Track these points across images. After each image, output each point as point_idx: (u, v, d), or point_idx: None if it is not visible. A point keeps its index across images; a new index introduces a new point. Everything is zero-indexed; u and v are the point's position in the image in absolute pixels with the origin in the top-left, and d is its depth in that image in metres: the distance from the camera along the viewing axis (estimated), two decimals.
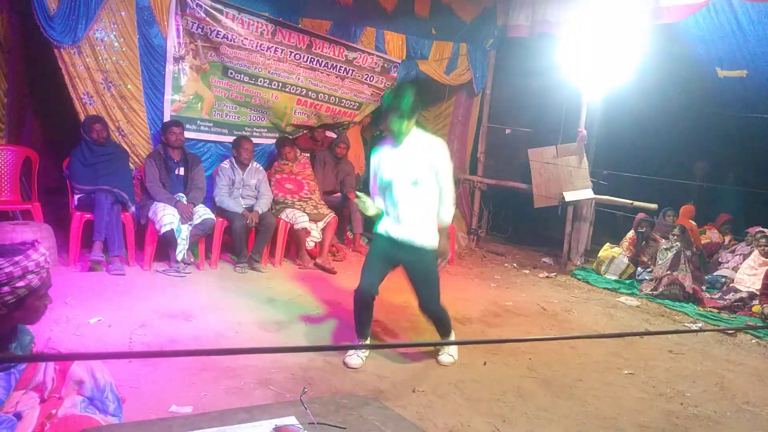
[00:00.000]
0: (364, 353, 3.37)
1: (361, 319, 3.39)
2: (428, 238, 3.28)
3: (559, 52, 5.86)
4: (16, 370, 1.86)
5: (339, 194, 6.06)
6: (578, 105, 6.12)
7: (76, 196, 4.60)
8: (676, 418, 3.00)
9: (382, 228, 3.36)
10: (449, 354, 3.48)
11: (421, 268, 3.32)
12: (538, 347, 3.79)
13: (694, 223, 6.53)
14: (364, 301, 3.32)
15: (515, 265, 6.43)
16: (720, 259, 6.15)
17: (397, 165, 3.25)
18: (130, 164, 4.92)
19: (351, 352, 3.34)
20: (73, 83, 4.63)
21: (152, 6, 4.86)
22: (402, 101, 3.13)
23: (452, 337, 3.56)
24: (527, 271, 6.19)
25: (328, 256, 5.35)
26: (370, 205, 3.35)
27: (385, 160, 3.32)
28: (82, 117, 4.67)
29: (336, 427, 1.53)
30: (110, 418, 1.94)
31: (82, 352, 1.95)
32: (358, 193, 3.40)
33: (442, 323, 3.45)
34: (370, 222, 6.38)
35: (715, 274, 5.92)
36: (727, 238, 6.56)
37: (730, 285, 5.50)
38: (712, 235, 6.62)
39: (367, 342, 3.50)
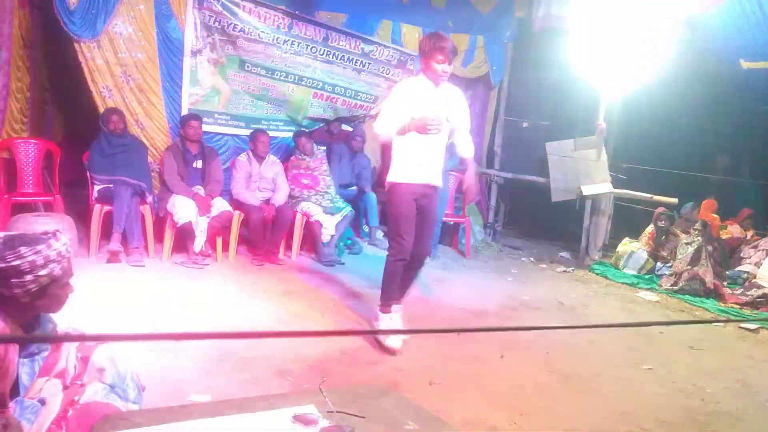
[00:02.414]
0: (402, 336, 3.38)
1: (397, 284, 3.43)
2: (441, 180, 3.47)
3: (578, 45, 5.78)
4: (40, 357, 1.89)
5: (355, 187, 6.06)
6: (597, 98, 6.03)
7: (96, 188, 4.66)
8: (696, 415, 2.96)
9: (407, 177, 3.32)
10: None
11: (433, 210, 3.46)
12: (556, 341, 3.76)
13: (716, 216, 6.41)
14: (406, 260, 3.35)
15: (532, 259, 6.39)
16: (742, 255, 6.04)
17: (435, 106, 3.27)
18: (149, 157, 4.97)
19: (389, 335, 3.33)
20: (93, 77, 4.69)
21: (170, 0, 4.89)
22: (446, 41, 3.23)
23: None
24: (544, 266, 6.15)
25: (335, 249, 5.35)
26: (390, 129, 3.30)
27: (419, 98, 3.28)
28: (102, 110, 4.72)
29: (355, 416, 1.53)
30: (131, 405, 1.96)
31: (106, 334, 1.97)
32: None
33: (417, 272, 3.56)
34: (386, 215, 6.39)
35: (736, 269, 5.80)
36: (750, 233, 6.43)
37: (753, 281, 5.39)
38: (733, 230, 6.49)
39: (400, 308, 3.53)
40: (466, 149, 3.52)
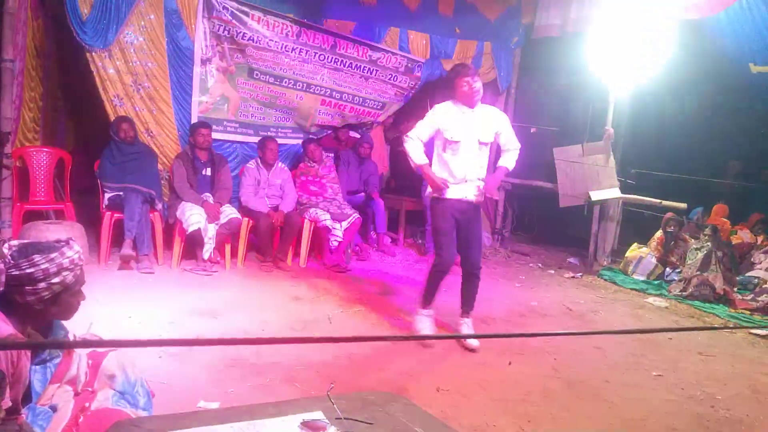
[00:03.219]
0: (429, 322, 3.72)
1: (437, 288, 3.69)
2: (481, 197, 3.64)
3: (585, 51, 5.78)
4: (52, 364, 1.92)
5: (363, 194, 6.08)
6: (605, 103, 6.02)
7: (107, 196, 4.71)
8: (706, 422, 2.94)
9: (448, 193, 3.56)
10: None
11: (477, 227, 3.66)
12: (564, 348, 3.75)
13: (727, 221, 6.37)
14: (446, 271, 3.60)
15: (540, 265, 6.37)
16: (752, 260, 5.99)
17: (470, 126, 3.51)
18: (159, 165, 5.02)
19: (423, 320, 3.72)
20: (104, 86, 4.75)
21: (180, 9, 4.95)
22: (471, 67, 3.50)
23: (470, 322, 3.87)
24: (552, 271, 6.13)
25: (344, 256, 5.38)
26: (419, 153, 3.60)
27: (453, 121, 3.54)
28: (113, 119, 4.78)
29: (363, 422, 1.54)
30: (141, 411, 1.98)
31: (118, 340, 2.00)
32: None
33: (475, 289, 3.76)
34: (393, 221, 6.42)
35: (747, 275, 5.76)
36: (760, 239, 6.38)
37: (763, 286, 5.35)
38: (744, 236, 6.44)
39: (432, 311, 3.79)
40: (508, 160, 3.71)
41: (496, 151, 4.01)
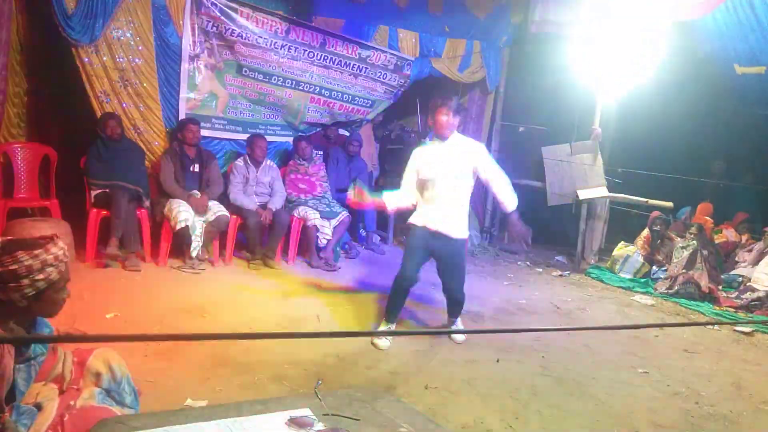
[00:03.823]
0: (390, 337, 3.56)
1: (395, 304, 3.70)
2: (461, 231, 3.64)
3: (574, 51, 5.81)
4: (36, 362, 1.90)
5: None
6: (593, 102, 6.06)
7: (93, 193, 4.66)
8: (691, 417, 2.98)
9: (420, 221, 3.64)
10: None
11: (452, 258, 3.67)
12: (551, 345, 3.78)
13: (710, 219, 6.45)
14: (404, 286, 3.63)
15: (528, 263, 6.41)
16: (737, 258, 6.07)
17: (441, 161, 3.55)
18: (146, 162, 4.98)
19: (381, 338, 3.58)
20: (91, 82, 4.70)
21: (168, 5, 4.91)
22: (450, 99, 3.53)
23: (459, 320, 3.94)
24: (540, 270, 6.16)
25: (332, 254, 5.37)
26: (391, 201, 3.68)
27: (426, 159, 3.61)
28: (99, 115, 4.73)
29: (349, 418, 1.55)
30: (127, 409, 1.97)
31: (103, 335, 1.97)
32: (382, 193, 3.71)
33: (459, 306, 3.84)
34: (383, 220, 6.42)
35: (731, 273, 5.84)
36: (744, 237, 6.46)
37: (747, 284, 5.42)
38: (728, 234, 6.53)
39: (393, 326, 3.73)
40: (507, 202, 3.63)
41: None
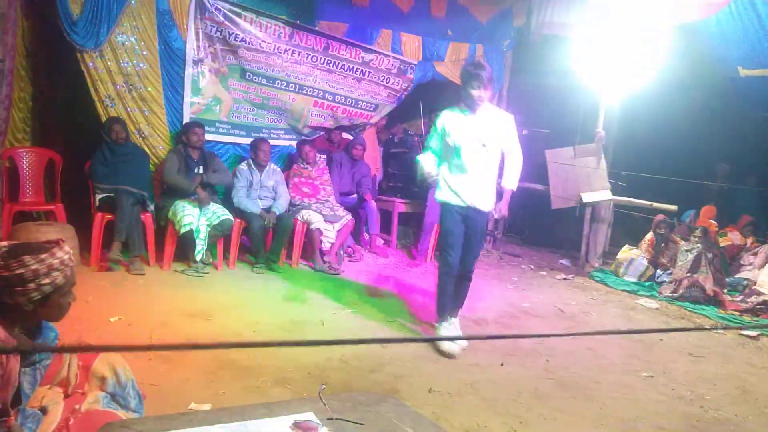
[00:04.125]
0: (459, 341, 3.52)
1: (448, 296, 3.63)
2: (490, 203, 3.59)
3: (577, 54, 5.82)
4: (41, 366, 1.91)
5: (355, 195, 6.08)
6: (596, 106, 6.06)
7: (98, 197, 4.69)
8: (696, 422, 2.96)
9: (450, 197, 3.55)
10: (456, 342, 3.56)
11: (479, 232, 3.62)
12: (555, 349, 3.77)
13: (714, 222, 6.43)
14: (452, 275, 3.56)
15: (532, 266, 6.40)
16: (742, 261, 6.05)
17: (470, 131, 3.47)
18: (150, 165, 5.00)
19: (446, 332, 3.57)
20: (95, 86, 4.73)
21: (172, 10, 4.94)
22: (483, 70, 3.41)
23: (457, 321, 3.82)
24: (544, 273, 6.15)
25: (336, 257, 5.37)
26: (428, 164, 3.56)
27: (454, 125, 3.52)
28: (104, 119, 4.76)
29: (354, 423, 1.55)
30: (132, 413, 1.97)
31: (107, 345, 1.99)
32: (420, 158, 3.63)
33: (467, 287, 3.75)
34: (386, 223, 6.42)
35: (736, 276, 5.81)
36: (750, 240, 6.44)
37: (752, 287, 5.40)
38: (733, 237, 6.50)
39: (455, 320, 3.71)
40: (508, 179, 3.62)
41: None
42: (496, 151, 3.55)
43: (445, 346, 3.44)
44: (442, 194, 3.60)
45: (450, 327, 3.66)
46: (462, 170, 3.51)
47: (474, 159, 3.49)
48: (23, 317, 1.75)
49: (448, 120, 3.58)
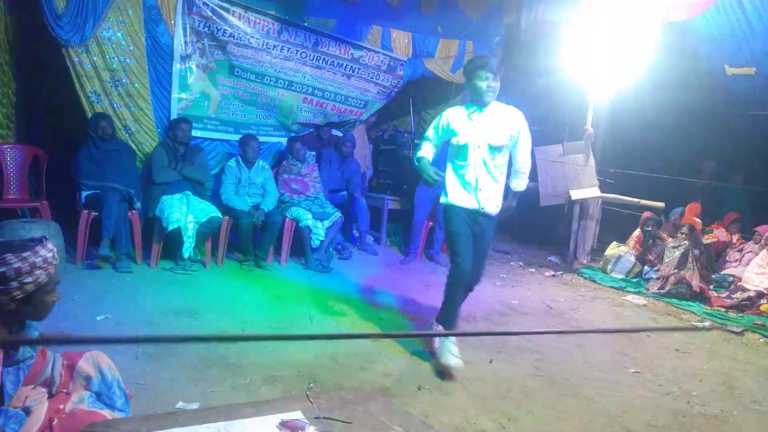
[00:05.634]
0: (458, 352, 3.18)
1: (455, 305, 3.32)
2: (498, 207, 3.34)
3: (566, 51, 5.84)
4: (25, 366, 1.88)
5: (345, 192, 6.06)
6: (585, 103, 6.09)
7: (84, 194, 4.63)
8: (683, 417, 2.99)
9: (458, 200, 3.27)
10: (454, 355, 3.22)
11: (486, 239, 3.36)
12: (544, 346, 3.78)
13: (698, 220, 6.49)
14: (465, 281, 3.26)
15: (521, 263, 6.42)
16: (727, 258, 6.11)
17: (478, 130, 3.20)
18: (137, 162, 4.95)
19: (448, 355, 3.15)
20: (81, 82, 4.67)
21: (159, 5, 4.89)
22: (491, 58, 3.16)
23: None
24: (533, 270, 6.18)
25: (325, 255, 5.36)
26: (431, 169, 3.24)
27: (461, 124, 3.23)
28: (90, 115, 4.70)
29: (342, 422, 1.54)
30: (117, 413, 1.95)
31: (90, 336, 1.96)
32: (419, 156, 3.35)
33: (466, 297, 3.46)
34: (376, 220, 6.41)
35: (722, 273, 5.88)
36: (735, 237, 6.51)
37: (738, 284, 5.46)
38: (719, 234, 6.57)
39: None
40: (516, 181, 3.43)
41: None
42: (506, 151, 3.29)
43: (452, 362, 3.15)
44: (451, 197, 3.31)
45: (452, 346, 3.24)
46: (473, 171, 3.24)
47: (483, 160, 3.23)
48: (6, 316, 1.72)
49: (454, 118, 3.29)
